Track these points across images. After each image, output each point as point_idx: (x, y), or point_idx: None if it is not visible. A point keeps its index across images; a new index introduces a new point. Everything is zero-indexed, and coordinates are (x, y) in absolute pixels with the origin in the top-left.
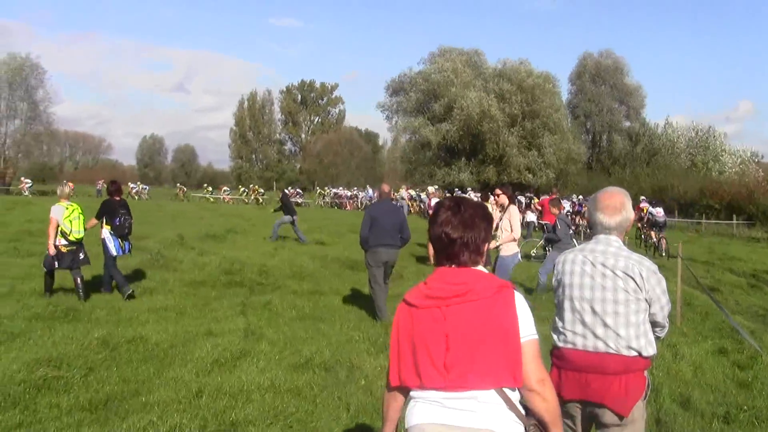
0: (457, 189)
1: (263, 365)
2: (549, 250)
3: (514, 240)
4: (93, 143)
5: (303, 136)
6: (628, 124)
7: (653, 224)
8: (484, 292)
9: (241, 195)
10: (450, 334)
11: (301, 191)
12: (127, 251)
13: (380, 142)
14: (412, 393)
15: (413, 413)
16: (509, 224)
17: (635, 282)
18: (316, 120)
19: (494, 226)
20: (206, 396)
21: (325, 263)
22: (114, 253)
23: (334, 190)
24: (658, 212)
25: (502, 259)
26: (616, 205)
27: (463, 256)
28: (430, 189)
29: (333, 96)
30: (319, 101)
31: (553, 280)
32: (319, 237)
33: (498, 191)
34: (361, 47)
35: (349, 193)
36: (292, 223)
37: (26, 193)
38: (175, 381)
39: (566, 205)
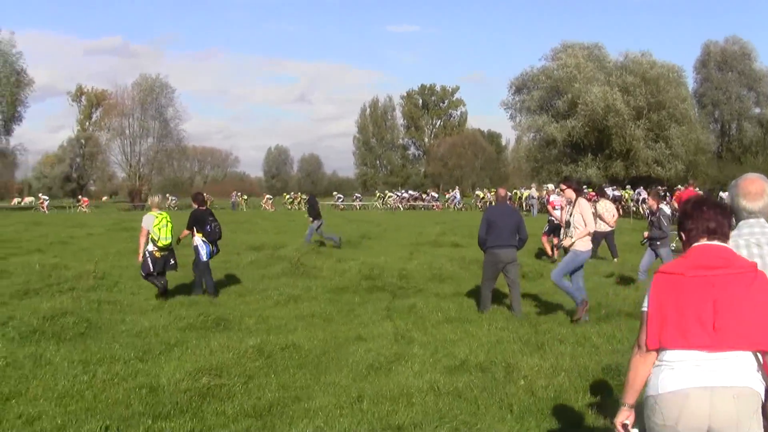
0: (585, 187)
1: (418, 368)
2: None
3: (589, 235)
4: (221, 157)
5: (426, 139)
6: (758, 110)
7: None
8: (745, 266)
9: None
10: (718, 299)
11: (359, 195)
12: (215, 253)
13: (503, 142)
14: (666, 357)
15: (669, 378)
16: (582, 219)
17: None
18: (438, 123)
19: (564, 221)
20: (367, 401)
21: (463, 265)
22: (205, 258)
23: (410, 192)
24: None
25: (575, 254)
26: (758, 191)
27: (722, 236)
28: (550, 186)
29: (454, 98)
30: (440, 104)
31: None
32: (453, 239)
33: (563, 185)
34: (480, 48)
35: (432, 194)
36: (318, 228)
37: (43, 209)
38: (333, 386)
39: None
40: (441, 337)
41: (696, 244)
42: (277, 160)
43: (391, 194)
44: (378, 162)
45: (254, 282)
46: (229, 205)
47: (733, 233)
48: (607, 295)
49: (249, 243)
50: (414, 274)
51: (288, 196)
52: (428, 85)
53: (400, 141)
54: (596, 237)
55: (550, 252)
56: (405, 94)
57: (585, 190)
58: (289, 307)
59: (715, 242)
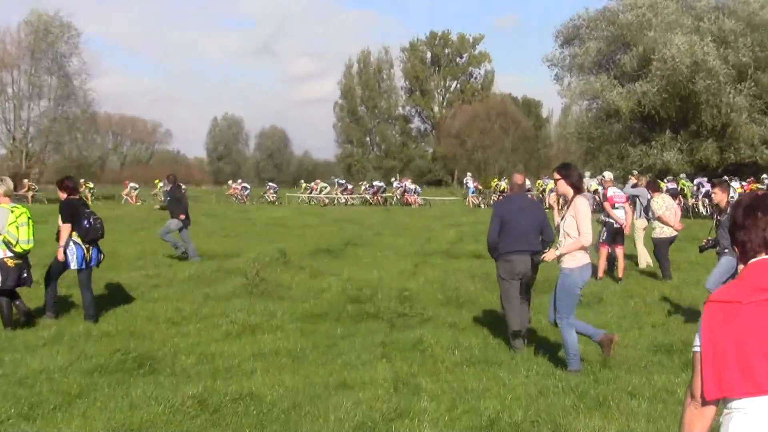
0: (667, 180)
1: (429, 430)
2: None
3: (583, 249)
4: (145, 130)
5: (435, 109)
6: None
7: None
8: None
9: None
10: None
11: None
12: (93, 263)
13: (545, 113)
14: (735, 405)
15: (743, 428)
16: (575, 224)
17: None
18: (454, 86)
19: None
20: None
21: (488, 284)
22: (75, 266)
23: (376, 184)
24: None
25: (565, 276)
26: None
27: None
28: (607, 175)
29: (476, 51)
30: (457, 60)
31: None
32: (473, 248)
33: (556, 175)
34: None
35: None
36: (181, 230)
37: None
38: None
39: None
40: (460, 386)
41: (753, 260)
42: (225, 134)
43: (325, 185)
44: (368, 139)
45: (194, 305)
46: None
47: None
48: (690, 330)
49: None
50: (420, 295)
51: (234, 184)
52: (440, 33)
53: (400, 110)
54: (660, 247)
55: (603, 268)
56: (408, 45)
57: (654, 182)
58: (244, 340)
59: None
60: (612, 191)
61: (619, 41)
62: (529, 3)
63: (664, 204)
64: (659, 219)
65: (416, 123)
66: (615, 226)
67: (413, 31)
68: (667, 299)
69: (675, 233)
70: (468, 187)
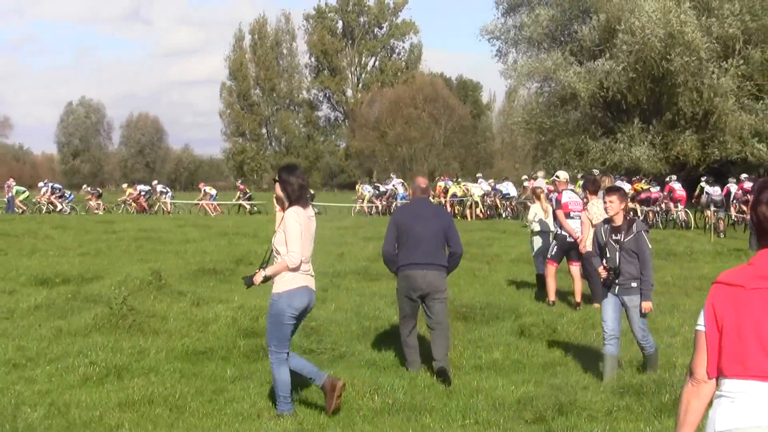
0: (620, 176)
1: None
2: None
3: (295, 270)
4: None
5: (349, 92)
6: None
7: (709, 203)
8: None
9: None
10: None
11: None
12: None
13: (485, 98)
14: (725, 387)
15: (726, 414)
16: (284, 240)
17: None
18: (372, 63)
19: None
20: None
21: None
22: None
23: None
24: (715, 191)
25: (272, 303)
26: None
27: None
28: (561, 176)
29: (399, 20)
30: (375, 30)
31: None
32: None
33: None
34: None
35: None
36: None
37: None
38: None
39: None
40: None
41: (764, 247)
42: (82, 124)
43: (132, 190)
44: (265, 130)
45: (43, 342)
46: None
47: None
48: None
49: (33, 272)
50: (330, 326)
51: (87, 189)
52: None
53: (304, 94)
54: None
55: (554, 290)
56: (314, 11)
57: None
58: (108, 386)
59: None
60: (567, 196)
61: (577, 8)
62: None
63: (601, 211)
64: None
65: (325, 110)
66: (569, 240)
67: None
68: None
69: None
70: (396, 193)
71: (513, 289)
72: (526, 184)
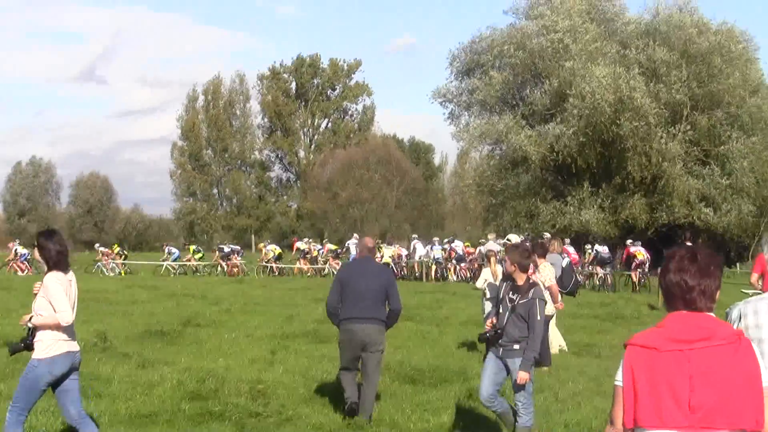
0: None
1: None
2: None
3: (60, 333)
4: None
5: (301, 153)
6: None
7: (600, 261)
8: (728, 337)
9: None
10: (694, 375)
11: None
12: None
13: (437, 160)
14: None
15: None
16: (47, 304)
17: None
18: (325, 125)
19: None
20: None
21: None
22: None
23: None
24: (604, 250)
25: (31, 368)
26: None
27: (701, 302)
28: (512, 239)
29: (352, 82)
30: (330, 91)
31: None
32: None
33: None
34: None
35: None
36: None
37: None
38: None
39: None
40: None
41: (672, 310)
42: (30, 184)
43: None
44: (216, 191)
45: None
46: None
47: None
48: None
49: None
50: (278, 389)
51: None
52: (309, 57)
53: (257, 155)
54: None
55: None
56: (268, 71)
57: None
58: None
59: (695, 308)
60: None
61: (529, 72)
62: (424, 24)
63: (550, 273)
64: (549, 290)
65: (277, 171)
66: None
67: (279, 54)
68: (584, 393)
69: (554, 311)
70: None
71: (463, 352)
72: (481, 248)
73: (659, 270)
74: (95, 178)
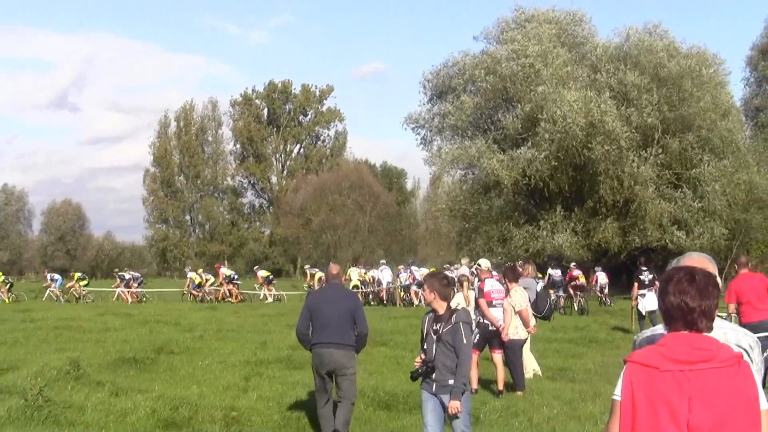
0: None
1: None
2: None
3: None
4: None
5: (273, 179)
6: None
7: (552, 285)
8: (728, 359)
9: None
10: (693, 396)
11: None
12: None
13: (410, 185)
14: None
15: None
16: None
17: (748, 355)
18: (297, 150)
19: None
20: None
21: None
22: None
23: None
24: (556, 273)
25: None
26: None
27: (701, 323)
28: (483, 264)
29: (324, 108)
30: (301, 117)
31: None
32: None
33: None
34: (379, 20)
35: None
36: None
37: None
38: None
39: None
40: None
41: (672, 330)
42: (1, 212)
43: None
44: (189, 217)
45: None
46: None
47: None
48: None
49: None
50: (252, 416)
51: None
52: (281, 83)
53: (229, 181)
54: (514, 350)
55: (477, 378)
56: (240, 97)
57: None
58: None
59: (696, 329)
60: (490, 285)
61: (501, 96)
62: (395, 50)
63: (522, 298)
64: (520, 314)
65: (249, 197)
66: (491, 328)
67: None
68: (558, 418)
69: (527, 335)
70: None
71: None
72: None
73: (659, 293)
74: (67, 206)
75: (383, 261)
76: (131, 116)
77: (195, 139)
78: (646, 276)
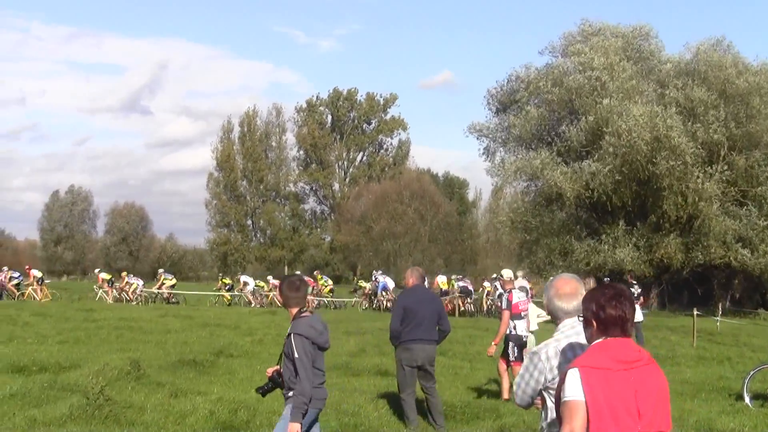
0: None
1: None
2: None
3: None
4: None
5: (336, 186)
6: None
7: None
8: (649, 358)
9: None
10: (638, 390)
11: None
12: None
13: (471, 196)
14: None
15: None
16: None
17: None
18: (360, 158)
19: None
20: None
21: (396, 408)
22: None
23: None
24: (466, 282)
25: None
26: (572, 291)
27: (631, 330)
28: (505, 274)
29: (388, 116)
30: (365, 125)
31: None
32: (379, 362)
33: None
34: (448, 32)
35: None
36: None
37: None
38: None
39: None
40: None
41: (609, 337)
42: (68, 212)
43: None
44: (250, 222)
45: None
46: None
47: (567, 333)
48: None
49: (10, 360)
50: None
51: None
52: (346, 91)
53: (291, 187)
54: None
55: (507, 392)
56: (304, 104)
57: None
58: None
59: (628, 335)
60: (517, 296)
61: (566, 109)
62: (461, 60)
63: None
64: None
65: (311, 203)
66: (524, 339)
67: (313, 87)
68: None
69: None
70: (383, 285)
71: (494, 388)
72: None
73: (593, 304)
74: (130, 207)
75: (380, 271)
76: (200, 121)
77: (258, 145)
78: (635, 290)
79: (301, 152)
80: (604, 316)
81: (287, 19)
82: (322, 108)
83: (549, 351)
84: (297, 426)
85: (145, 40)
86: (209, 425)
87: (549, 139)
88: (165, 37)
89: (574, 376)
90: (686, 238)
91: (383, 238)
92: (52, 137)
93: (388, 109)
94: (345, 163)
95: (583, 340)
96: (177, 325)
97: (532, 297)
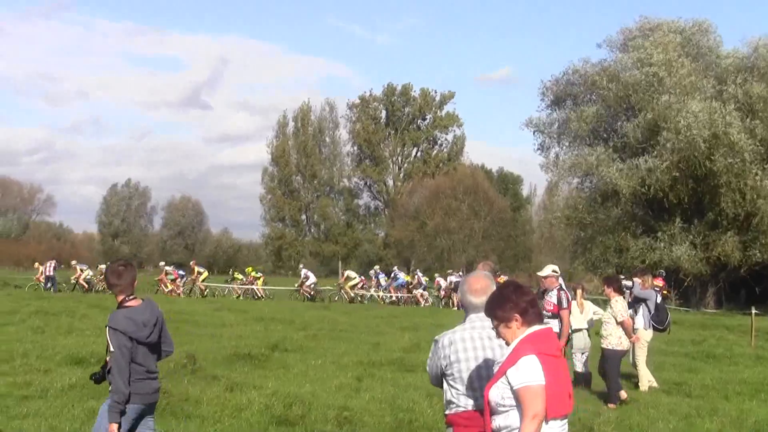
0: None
1: None
2: None
3: None
4: (21, 195)
5: (390, 182)
6: None
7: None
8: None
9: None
10: (563, 372)
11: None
12: None
13: (525, 192)
14: (551, 423)
15: None
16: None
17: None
18: (414, 154)
19: None
20: None
21: None
22: None
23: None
24: (442, 280)
25: None
26: (483, 288)
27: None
28: (548, 269)
29: (443, 112)
30: (420, 120)
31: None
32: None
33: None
34: (506, 25)
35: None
36: None
37: None
38: None
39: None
40: None
41: (538, 327)
42: (125, 206)
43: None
44: (305, 217)
45: (76, 423)
46: (42, 280)
47: (465, 326)
48: None
49: (69, 351)
50: (364, 417)
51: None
52: (400, 86)
53: (345, 182)
54: (613, 362)
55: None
56: (358, 100)
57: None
58: None
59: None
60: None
61: (622, 105)
62: (518, 57)
63: (623, 308)
64: (622, 324)
65: (365, 199)
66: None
67: (368, 82)
68: None
69: (629, 346)
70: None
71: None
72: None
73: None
74: (186, 202)
75: (395, 267)
76: (258, 116)
77: (312, 140)
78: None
79: (355, 147)
80: (530, 308)
81: (343, 14)
82: (375, 104)
83: (444, 340)
84: (114, 426)
85: (205, 36)
86: (264, 419)
87: (605, 135)
88: (223, 33)
89: (534, 362)
90: (744, 236)
91: (437, 234)
92: (112, 131)
93: (445, 105)
94: (399, 158)
95: (486, 334)
96: (232, 319)
97: (585, 295)
